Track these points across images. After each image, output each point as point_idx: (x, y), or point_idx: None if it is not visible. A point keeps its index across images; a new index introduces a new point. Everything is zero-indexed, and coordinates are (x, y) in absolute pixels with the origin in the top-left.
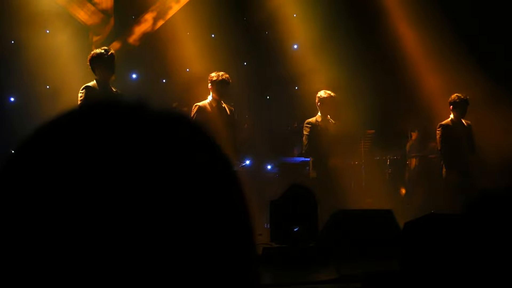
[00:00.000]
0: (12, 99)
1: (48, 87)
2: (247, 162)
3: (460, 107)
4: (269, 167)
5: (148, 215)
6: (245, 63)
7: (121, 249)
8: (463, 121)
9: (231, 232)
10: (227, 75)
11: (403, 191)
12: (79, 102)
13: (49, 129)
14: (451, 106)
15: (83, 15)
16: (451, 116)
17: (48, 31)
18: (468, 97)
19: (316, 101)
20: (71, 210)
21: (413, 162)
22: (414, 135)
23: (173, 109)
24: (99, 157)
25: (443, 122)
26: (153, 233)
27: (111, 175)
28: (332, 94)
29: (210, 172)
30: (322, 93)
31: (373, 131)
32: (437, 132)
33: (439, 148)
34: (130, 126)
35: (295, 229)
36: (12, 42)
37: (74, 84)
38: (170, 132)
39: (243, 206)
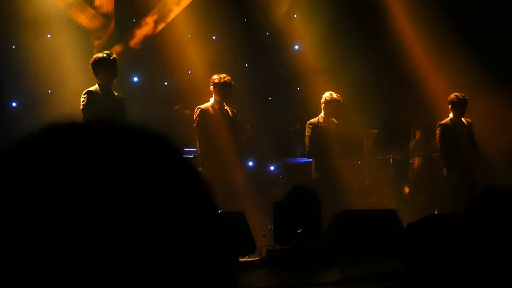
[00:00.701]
0: (14, 103)
1: (49, 91)
2: (250, 163)
3: (458, 106)
4: (272, 168)
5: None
6: (246, 65)
7: (94, 253)
8: (463, 120)
9: (197, 239)
10: (229, 77)
11: (407, 190)
12: (81, 107)
13: (29, 142)
14: (450, 106)
15: (83, 19)
16: (450, 115)
17: (49, 36)
18: (466, 97)
19: (321, 102)
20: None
21: (417, 161)
22: (418, 134)
23: (142, 126)
24: (71, 169)
25: (442, 122)
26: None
27: (82, 185)
28: (337, 97)
29: (175, 182)
30: (327, 95)
31: (376, 130)
32: (437, 131)
33: (439, 147)
34: (99, 141)
35: (299, 231)
36: (14, 47)
37: (76, 88)
38: (136, 147)
39: (210, 218)
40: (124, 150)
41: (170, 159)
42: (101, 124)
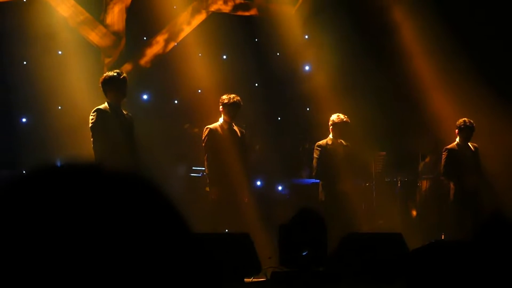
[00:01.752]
0: (24, 119)
1: (60, 107)
2: (258, 183)
3: (465, 132)
4: (280, 188)
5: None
6: (256, 84)
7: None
8: (470, 144)
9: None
10: (238, 98)
11: (414, 213)
12: (90, 125)
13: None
14: (457, 130)
15: (94, 36)
16: (457, 139)
17: (60, 52)
18: (474, 124)
19: (329, 124)
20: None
21: (425, 184)
22: (428, 157)
23: (128, 172)
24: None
25: (449, 146)
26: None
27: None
28: (345, 118)
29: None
30: (335, 117)
31: (384, 153)
32: (443, 155)
33: (441, 171)
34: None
35: (304, 253)
36: (25, 62)
37: (86, 106)
38: (120, 190)
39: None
40: (105, 194)
41: (150, 205)
42: (85, 168)
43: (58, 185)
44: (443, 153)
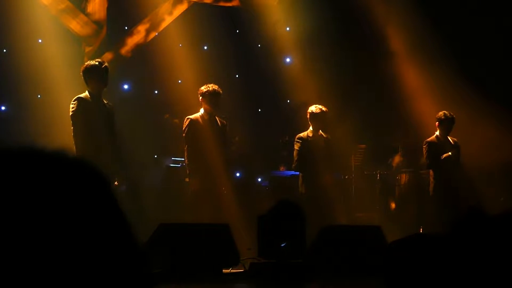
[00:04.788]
0: (3, 107)
1: (39, 96)
2: (237, 174)
3: (446, 124)
4: (259, 180)
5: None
6: (237, 76)
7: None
8: (450, 138)
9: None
10: (216, 86)
11: (393, 206)
12: (71, 113)
13: None
14: (437, 123)
15: (75, 25)
16: (437, 132)
17: (40, 41)
18: (454, 116)
19: (308, 116)
20: None
21: (403, 177)
22: (399, 153)
23: (62, 153)
24: None
25: (429, 139)
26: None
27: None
28: (324, 109)
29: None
30: (313, 108)
31: (364, 145)
32: (424, 148)
33: (428, 163)
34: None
35: (282, 245)
36: (5, 50)
37: (66, 95)
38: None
39: (124, 238)
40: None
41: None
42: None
43: None
44: (424, 146)
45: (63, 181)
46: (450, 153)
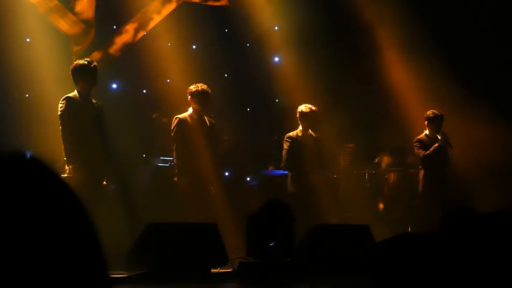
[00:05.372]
0: None
1: (27, 95)
2: (226, 173)
3: (435, 122)
4: (248, 179)
5: None
6: (226, 75)
7: None
8: (439, 136)
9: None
10: (205, 86)
11: (381, 205)
12: (59, 113)
13: None
14: (426, 122)
15: (64, 24)
16: (426, 131)
17: (28, 40)
18: (443, 114)
19: (297, 115)
20: None
21: (392, 176)
22: (386, 156)
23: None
24: None
25: (419, 137)
26: None
27: None
28: (313, 108)
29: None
30: (303, 107)
31: (353, 145)
32: (415, 146)
33: (421, 156)
34: None
35: (271, 244)
36: None
37: (55, 94)
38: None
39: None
40: None
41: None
42: None
43: None
44: (415, 143)
45: (15, 183)
46: (437, 143)
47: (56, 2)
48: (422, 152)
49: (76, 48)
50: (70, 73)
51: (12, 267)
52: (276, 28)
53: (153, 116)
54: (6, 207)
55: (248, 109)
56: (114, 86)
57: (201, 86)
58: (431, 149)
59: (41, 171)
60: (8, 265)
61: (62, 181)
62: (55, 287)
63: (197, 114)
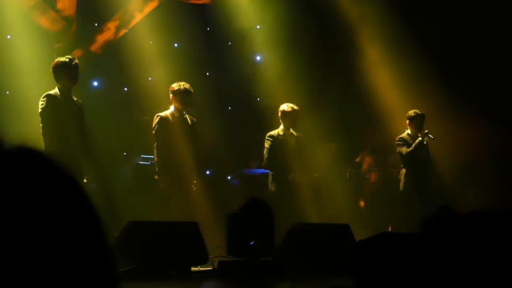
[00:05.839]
0: None
1: (8, 93)
2: (207, 172)
3: (417, 121)
4: (229, 178)
5: None
6: (207, 74)
7: None
8: (420, 135)
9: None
10: (188, 85)
11: (362, 204)
12: (40, 110)
13: None
14: (408, 121)
15: (45, 21)
16: (407, 131)
17: (9, 37)
18: (424, 113)
19: (279, 114)
20: None
21: (373, 176)
22: (367, 156)
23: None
24: None
25: (401, 135)
26: None
27: None
28: (295, 107)
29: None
30: (284, 107)
31: (335, 144)
32: (397, 143)
33: (404, 153)
34: None
35: (251, 243)
36: None
37: (36, 91)
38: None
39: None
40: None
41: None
42: None
43: None
44: (397, 142)
45: (27, 177)
46: (419, 138)
47: None
48: (405, 149)
49: (57, 45)
50: (50, 70)
51: (14, 262)
52: (258, 27)
53: (135, 114)
54: (14, 202)
55: (230, 108)
56: (96, 84)
57: (183, 85)
58: (413, 145)
59: (50, 167)
60: (9, 261)
61: (72, 178)
62: (60, 284)
63: (179, 112)
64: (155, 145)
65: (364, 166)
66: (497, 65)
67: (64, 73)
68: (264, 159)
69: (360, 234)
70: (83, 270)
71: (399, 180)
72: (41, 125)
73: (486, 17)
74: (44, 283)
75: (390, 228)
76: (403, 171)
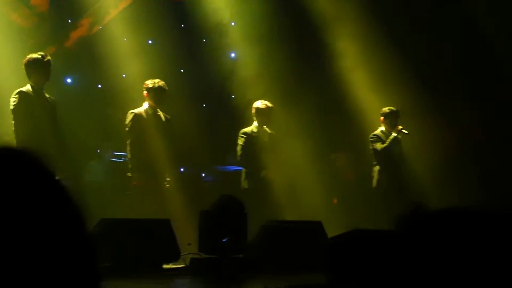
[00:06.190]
0: None
1: None
2: (181, 169)
3: (390, 117)
4: (203, 175)
5: None
6: (182, 70)
7: None
8: (394, 133)
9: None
10: (162, 82)
11: (335, 201)
12: (12, 107)
13: None
14: (383, 118)
15: (17, 17)
16: (381, 128)
17: None
18: (399, 110)
19: (253, 111)
20: None
21: (347, 173)
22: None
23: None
24: None
25: (375, 132)
26: None
27: None
28: (269, 104)
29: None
30: (258, 104)
31: (309, 141)
32: (371, 140)
33: (378, 149)
34: None
35: (224, 240)
36: None
37: (7, 88)
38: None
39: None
40: None
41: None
42: None
43: None
44: (371, 138)
45: (9, 175)
46: (394, 135)
47: None
48: (379, 145)
49: (30, 42)
50: (23, 67)
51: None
52: (233, 23)
53: (108, 111)
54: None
55: (204, 105)
56: (69, 80)
57: (158, 82)
58: (387, 141)
59: (33, 166)
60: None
61: (53, 176)
62: (43, 282)
63: (153, 109)
64: (128, 142)
65: (338, 163)
66: (474, 62)
67: (36, 69)
68: (238, 156)
69: (332, 231)
70: (66, 266)
71: (372, 177)
72: (13, 122)
73: (462, 17)
74: (26, 279)
75: (363, 225)
76: (376, 168)
